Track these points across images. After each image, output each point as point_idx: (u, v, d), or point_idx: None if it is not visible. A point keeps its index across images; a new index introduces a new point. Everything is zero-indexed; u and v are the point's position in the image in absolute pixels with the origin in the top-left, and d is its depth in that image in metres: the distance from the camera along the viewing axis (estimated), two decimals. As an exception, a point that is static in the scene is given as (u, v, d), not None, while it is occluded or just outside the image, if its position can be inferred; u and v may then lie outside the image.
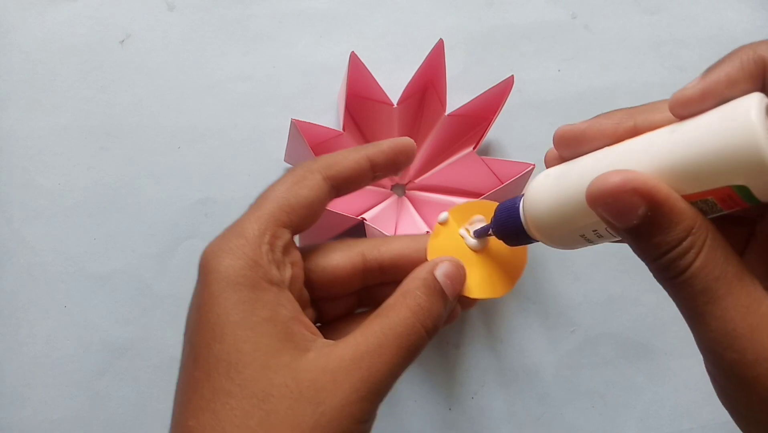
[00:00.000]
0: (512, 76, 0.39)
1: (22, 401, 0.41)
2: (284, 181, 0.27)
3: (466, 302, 0.29)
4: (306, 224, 0.27)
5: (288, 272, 0.26)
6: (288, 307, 0.25)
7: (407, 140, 0.29)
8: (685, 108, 0.19)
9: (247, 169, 0.43)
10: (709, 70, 0.20)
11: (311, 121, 0.38)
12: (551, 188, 0.23)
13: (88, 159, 0.43)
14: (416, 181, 0.43)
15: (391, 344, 0.24)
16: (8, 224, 0.42)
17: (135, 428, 0.41)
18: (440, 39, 0.38)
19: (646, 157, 0.20)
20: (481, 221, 0.29)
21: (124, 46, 0.45)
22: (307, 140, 0.37)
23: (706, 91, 0.19)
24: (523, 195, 0.25)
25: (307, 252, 0.29)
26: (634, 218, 0.19)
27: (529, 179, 0.24)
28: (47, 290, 0.42)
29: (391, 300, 0.26)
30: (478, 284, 0.28)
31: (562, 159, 0.23)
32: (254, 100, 0.44)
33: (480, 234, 0.28)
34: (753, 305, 0.19)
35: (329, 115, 0.44)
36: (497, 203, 0.28)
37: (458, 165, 0.42)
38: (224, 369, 0.23)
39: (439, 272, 0.26)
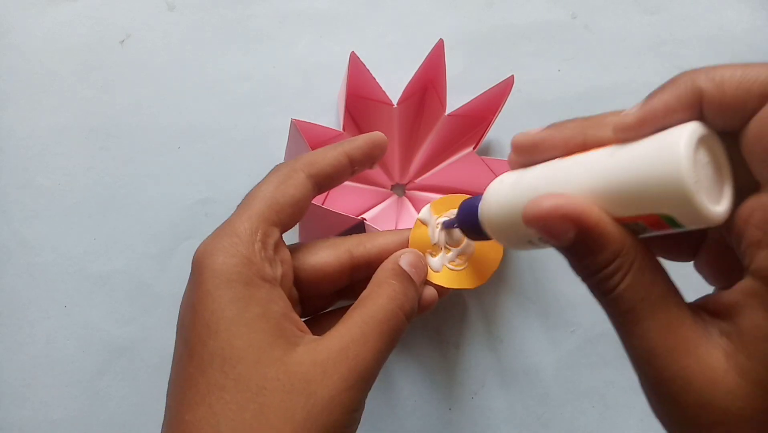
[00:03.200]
0: (512, 76, 0.39)
1: (22, 401, 0.41)
2: (270, 181, 0.28)
3: (441, 291, 0.31)
4: (293, 221, 0.28)
5: (279, 270, 0.27)
6: (279, 304, 0.25)
7: (379, 134, 0.30)
8: (625, 133, 0.20)
9: (247, 169, 0.43)
10: (650, 96, 0.20)
11: (311, 121, 0.38)
12: (503, 195, 0.24)
13: (88, 159, 0.43)
14: (416, 181, 0.43)
15: (373, 331, 0.25)
16: (8, 224, 0.42)
17: (135, 428, 0.41)
18: (440, 39, 0.38)
19: (584, 178, 0.21)
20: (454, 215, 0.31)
21: (124, 46, 0.45)
22: (307, 140, 0.37)
23: (644, 118, 0.20)
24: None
25: (294, 251, 0.29)
26: (564, 240, 0.21)
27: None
28: (47, 290, 0.42)
29: (366, 292, 0.27)
30: (452, 275, 0.31)
31: (520, 164, 0.24)
32: (254, 100, 0.44)
33: (447, 226, 0.31)
34: (672, 326, 0.20)
35: (329, 115, 0.44)
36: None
37: (458, 165, 0.42)
38: (218, 364, 0.23)
39: (403, 262, 0.29)
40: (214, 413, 0.23)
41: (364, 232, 0.40)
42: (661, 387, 0.20)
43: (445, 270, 0.31)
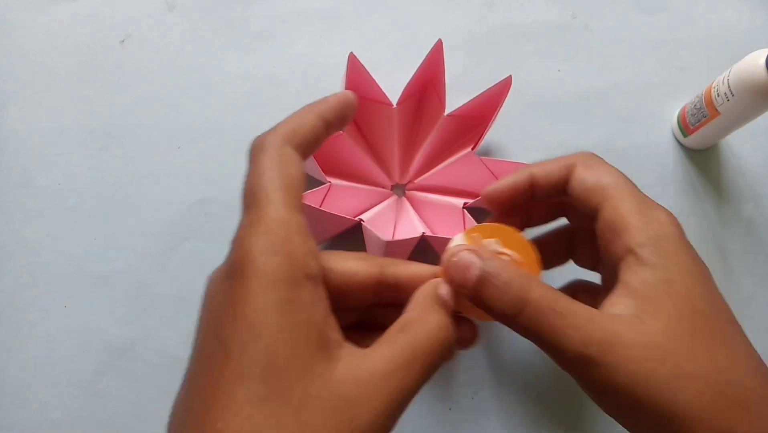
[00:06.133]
0: (510, 76, 0.39)
1: (22, 401, 0.41)
2: (267, 165, 0.26)
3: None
4: (299, 202, 0.27)
5: (319, 263, 0.25)
6: (321, 307, 0.24)
7: (349, 93, 0.29)
8: None
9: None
10: None
11: (311, 122, 0.38)
12: None
13: (88, 159, 0.43)
14: (416, 181, 0.43)
15: (418, 360, 0.24)
16: (8, 224, 0.42)
17: (135, 428, 0.41)
18: (439, 39, 0.38)
19: None
20: (494, 244, 0.29)
21: (124, 46, 0.45)
22: (307, 140, 0.37)
23: None
24: None
25: (322, 253, 0.28)
26: None
27: None
28: (47, 290, 0.42)
29: (411, 316, 0.26)
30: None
31: None
32: (254, 100, 0.44)
33: None
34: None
35: (329, 115, 0.44)
36: (512, 228, 0.29)
37: (457, 165, 0.42)
38: (259, 372, 0.22)
39: (443, 292, 0.27)
40: (252, 424, 0.22)
41: (362, 233, 0.40)
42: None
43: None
